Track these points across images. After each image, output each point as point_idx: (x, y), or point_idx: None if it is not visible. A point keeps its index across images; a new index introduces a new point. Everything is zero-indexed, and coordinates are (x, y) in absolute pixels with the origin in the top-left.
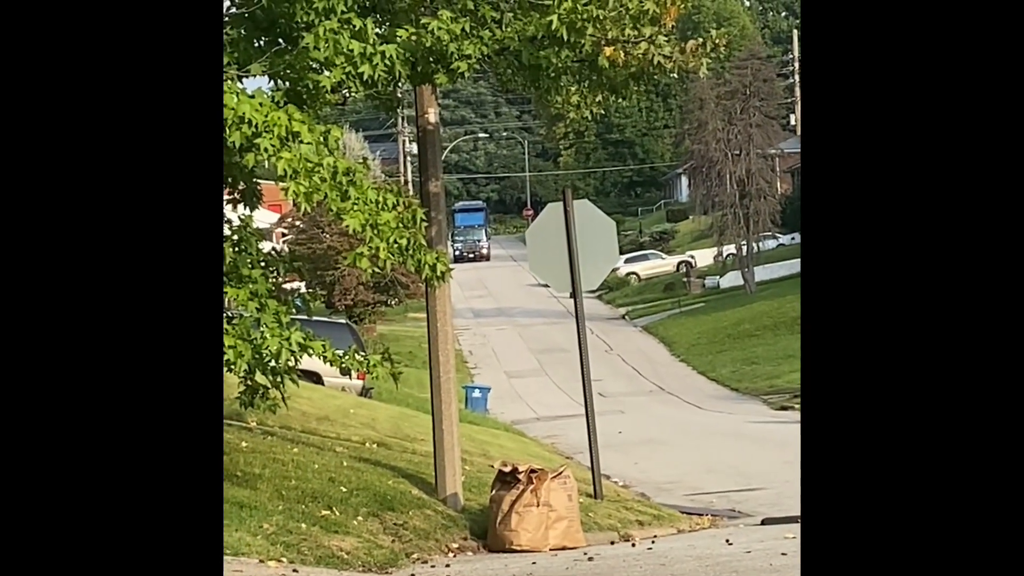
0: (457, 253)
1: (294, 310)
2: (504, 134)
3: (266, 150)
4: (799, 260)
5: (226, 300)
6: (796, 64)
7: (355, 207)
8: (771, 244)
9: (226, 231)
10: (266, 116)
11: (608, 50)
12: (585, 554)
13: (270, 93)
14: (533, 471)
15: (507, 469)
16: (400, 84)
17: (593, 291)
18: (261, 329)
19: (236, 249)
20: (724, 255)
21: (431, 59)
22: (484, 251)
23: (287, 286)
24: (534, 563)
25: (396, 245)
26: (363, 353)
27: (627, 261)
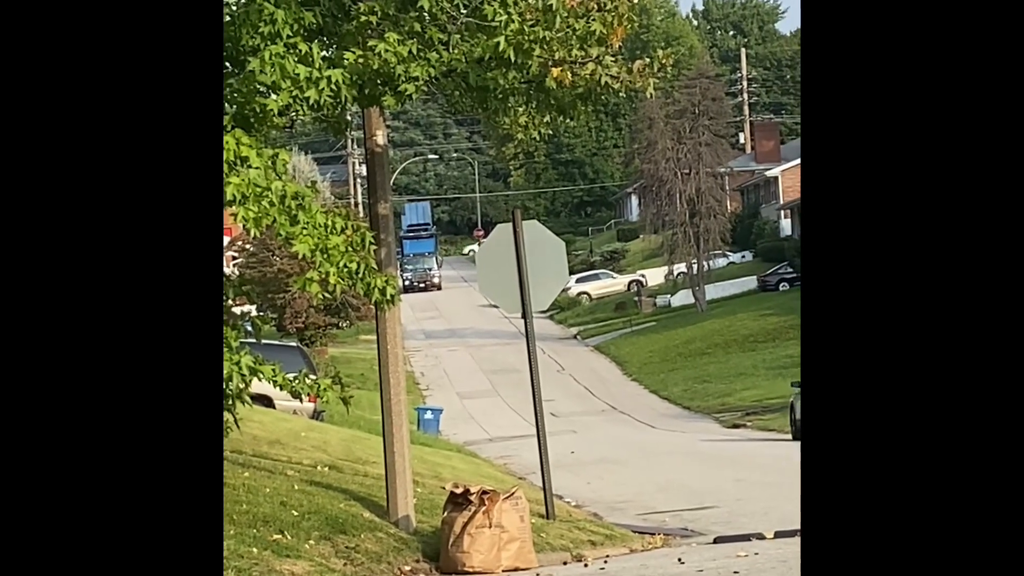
0: (407, 283)
1: (244, 334)
2: (454, 155)
3: None
4: (750, 278)
5: None
6: (744, 83)
7: (304, 231)
8: (722, 262)
9: None
10: None
11: (555, 71)
12: (538, 575)
13: None
14: (485, 492)
15: (459, 491)
16: (348, 107)
17: (544, 311)
18: None
19: None
20: (675, 274)
21: (378, 81)
22: (435, 280)
23: (237, 310)
24: None
25: (346, 269)
26: (314, 376)
27: (578, 281)
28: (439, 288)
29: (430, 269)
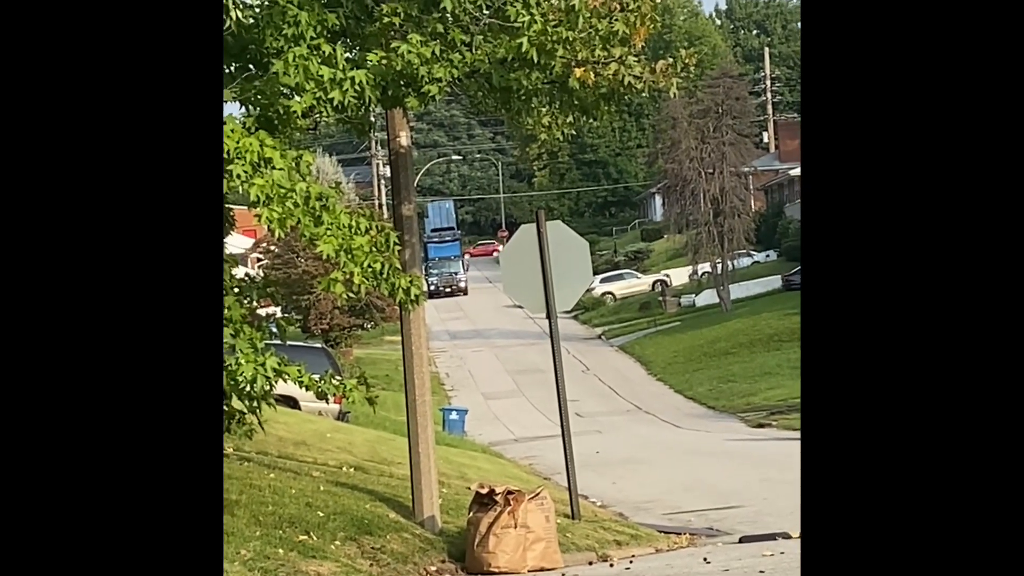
0: (432, 287)
1: (269, 335)
2: (478, 156)
3: (239, 176)
4: (775, 277)
5: None
6: (768, 82)
7: (328, 232)
8: (746, 262)
9: None
10: (238, 142)
11: (578, 71)
12: (563, 575)
13: (241, 119)
14: (510, 492)
15: (484, 491)
16: (371, 108)
17: (568, 311)
18: (236, 355)
19: None
20: (699, 273)
21: (402, 83)
22: (462, 284)
23: (262, 311)
24: None
25: (370, 270)
26: (339, 377)
27: (602, 281)
28: (465, 292)
29: (456, 273)
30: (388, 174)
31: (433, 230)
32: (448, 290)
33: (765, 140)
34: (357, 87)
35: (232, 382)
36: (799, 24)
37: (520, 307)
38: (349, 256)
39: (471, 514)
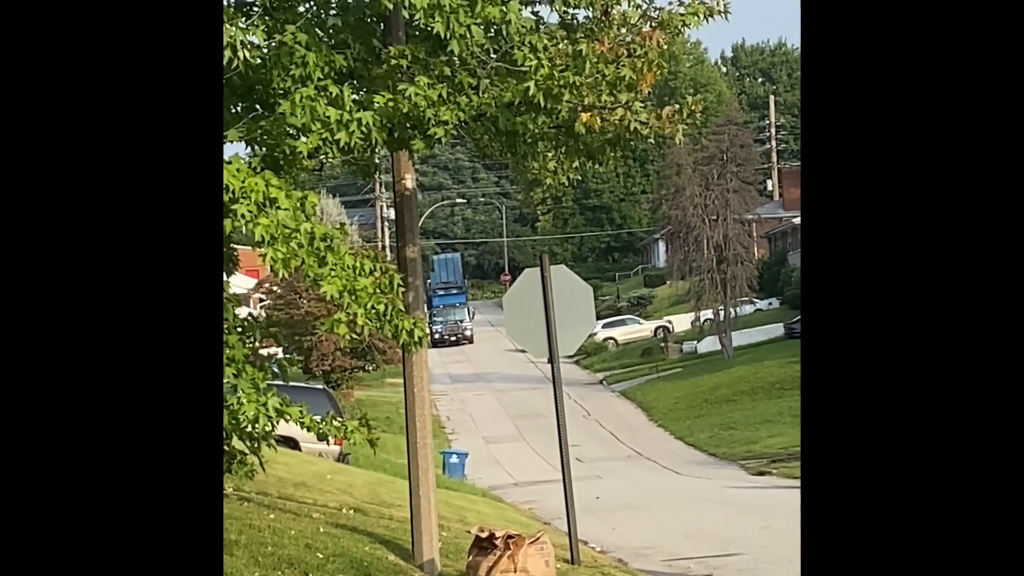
0: (437, 335)
1: (271, 375)
2: (482, 199)
3: (243, 216)
4: (777, 325)
5: None
6: (772, 130)
7: (332, 273)
8: (748, 309)
9: None
10: (243, 182)
11: (585, 116)
12: None
13: (247, 159)
14: (510, 536)
15: (484, 534)
16: (377, 150)
17: (571, 356)
18: (238, 395)
19: None
20: (702, 320)
21: (408, 125)
22: (467, 332)
23: (264, 351)
24: None
25: (374, 311)
26: (340, 419)
27: (605, 326)
28: (471, 341)
29: (461, 320)
30: (392, 216)
31: (440, 283)
32: (453, 338)
33: (769, 188)
34: (364, 128)
35: (234, 421)
36: None
37: (522, 351)
38: (353, 297)
39: (470, 558)
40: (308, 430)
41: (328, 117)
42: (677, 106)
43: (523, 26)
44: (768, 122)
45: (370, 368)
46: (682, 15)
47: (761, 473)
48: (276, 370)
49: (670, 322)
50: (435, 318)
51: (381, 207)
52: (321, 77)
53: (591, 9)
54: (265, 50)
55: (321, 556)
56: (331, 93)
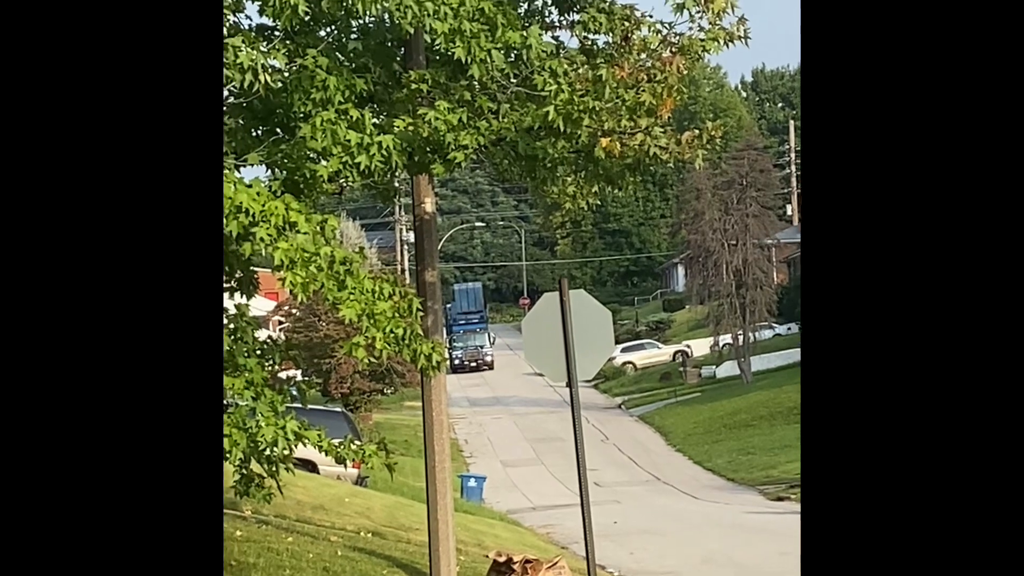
0: (457, 361)
1: (290, 399)
2: (501, 223)
3: (263, 239)
4: (796, 350)
5: None
6: (793, 155)
7: (351, 297)
8: (767, 334)
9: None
10: (263, 205)
11: (604, 141)
12: None
13: (267, 182)
14: (528, 561)
15: (502, 559)
16: (397, 174)
17: (589, 380)
18: (257, 418)
19: (232, 338)
20: (720, 345)
21: (428, 149)
22: (488, 358)
23: (283, 374)
24: None
25: (392, 335)
26: (359, 442)
27: (623, 350)
28: (491, 367)
29: (482, 346)
30: (411, 239)
31: (460, 312)
32: (473, 364)
33: (789, 213)
34: (384, 152)
35: (252, 444)
36: None
37: (541, 375)
38: (372, 321)
39: None
40: (326, 454)
41: (348, 141)
42: (697, 131)
43: (543, 51)
44: (788, 147)
45: (389, 391)
46: (702, 41)
47: (780, 499)
48: (295, 393)
49: (689, 347)
50: (455, 343)
51: (400, 230)
52: (342, 101)
53: (611, 35)
54: (286, 74)
55: None
56: (351, 117)
